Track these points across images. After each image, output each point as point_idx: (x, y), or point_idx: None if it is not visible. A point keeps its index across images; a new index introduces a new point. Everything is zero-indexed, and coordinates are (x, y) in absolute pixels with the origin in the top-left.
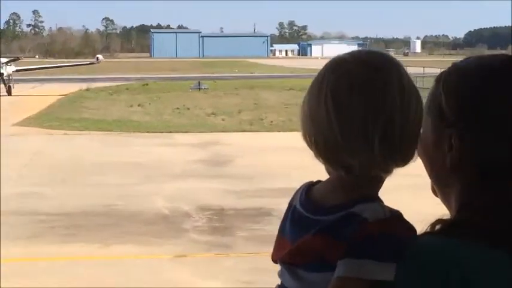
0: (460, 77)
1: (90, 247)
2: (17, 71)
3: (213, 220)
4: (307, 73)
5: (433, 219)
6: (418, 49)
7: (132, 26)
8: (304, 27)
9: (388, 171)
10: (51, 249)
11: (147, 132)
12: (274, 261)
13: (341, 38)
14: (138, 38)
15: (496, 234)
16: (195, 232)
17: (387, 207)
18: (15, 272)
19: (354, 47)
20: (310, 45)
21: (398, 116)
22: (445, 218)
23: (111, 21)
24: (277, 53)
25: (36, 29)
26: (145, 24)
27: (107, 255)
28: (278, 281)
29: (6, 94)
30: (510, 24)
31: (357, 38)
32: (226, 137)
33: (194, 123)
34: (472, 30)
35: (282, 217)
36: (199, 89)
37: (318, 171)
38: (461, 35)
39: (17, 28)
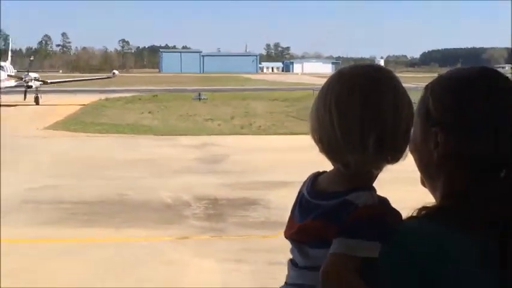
0: (444, 84)
1: (106, 230)
2: (44, 83)
3: (208, 208)
4: (289, 86)
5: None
6: None
7: (144, 47)
8: (288, 48)
9: (379, 168)
10: (73, 232)
11: (155, 134)
12: (286, 237)
13: (318, 57)
14: (149, 57)
15: (473, 219)
16: (193, 218)
17: (377, 195)
18: (41, 251)
19: (328, 65)
20: (292, 63)
21: (391, 123)
22: (429, 205)
23: (127, 42)
24: (264, 70)
25: (65, 49)
26: (155, 44)
27: (120, 237)
28: (266, 259)
29: (35, 103)
30: (458, 47)
31: (331, 57)
32: (221, 139)
33: (195, 128)
34: (426, 51)
35: (266, 206)
36: (200, 99)
37: (297, 167)
38: (417, 55)
39: (49, 48)
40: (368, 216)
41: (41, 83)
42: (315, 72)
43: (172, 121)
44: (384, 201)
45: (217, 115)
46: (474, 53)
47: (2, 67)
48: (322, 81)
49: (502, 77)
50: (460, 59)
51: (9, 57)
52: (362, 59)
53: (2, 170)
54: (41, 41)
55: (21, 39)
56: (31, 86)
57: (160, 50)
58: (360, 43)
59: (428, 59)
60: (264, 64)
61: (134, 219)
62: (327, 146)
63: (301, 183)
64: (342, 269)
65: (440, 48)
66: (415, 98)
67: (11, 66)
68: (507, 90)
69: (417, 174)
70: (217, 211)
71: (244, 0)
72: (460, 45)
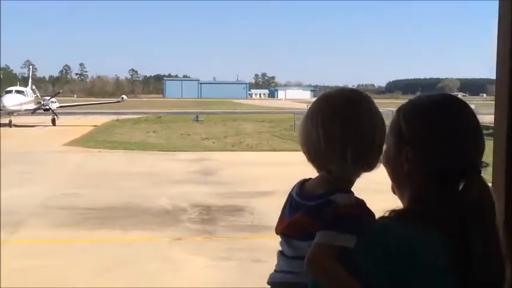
0: (414, 110)
1: (114, 232)
2: (60, 107)
3: (202, 214)
4: (274, 110)
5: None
6: None
7: (151, 75)
8: (273, 77)
9: (357, 175)
10: (86, 234)
11: (158, 150)
12: (277, 233)
13: (299, 85)
14: (154, 84)
15: (434, 221)
16: (189, 222)
17: (355, 196)
18: (60, 249)
19: (308, 92)
20: (277, 90)
21: (366, 138)
22: (397, 208)
23: (136, 71)
24: (253, 96)
25: (82, 77)
26: (160, 73)
27: (125, 238)
28: (249, 257)
29: (52, 125)
30: (419, 77)
31: (310, 85)
32: (214, 155)
33: (192, 145)
34: (391, 80)
35: (250, 212)
36: (197, 120)
37: (278, 179)
38: (383, 84)
39: (68, 76)
40: (347, 214)
41: (58, 106)
42: (296, 98)
43: (174, 139)
44: (361, 202)
45: (212, 134)
46: (431, 83)
47: (23, 92)
48: (302, 106)
49: (459, 102)
50: (420, 87)
51: (30, 83)
52: (336, 86)
53: (26, 180)
54: (62, 70)
55: (45, 69)
56: (49, 109)
57: (164, 78)
58: (334, 73)
59: (392, 87)
60: (253, 91)
61: (138, 223)
62: (313, 156)
63: (282, 193)
64: (322, 256)
65: (402, 78)
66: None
67: (31, 92)
68: (463, 114)
69: (379, 185)
70: (209, 216)
71: (237, 37)
72: (419, 75)
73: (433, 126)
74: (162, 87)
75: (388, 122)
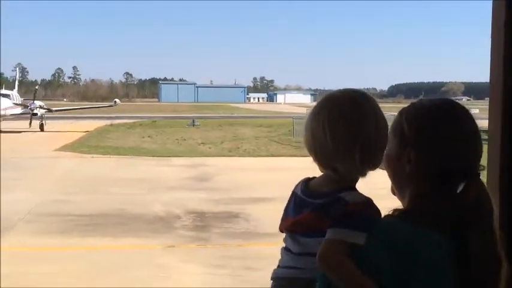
0: (418, 112)
1: (105, 239)
2: (49, 111)
3: (196, 220)
4: (273, 114)
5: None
6: None
7: (146, 79)
8: (272, 81)
9: (364, 174)
10: (76, 241)
11: (153, 156)
12: (281, 230)
13: (298, 89)
14: (150, 87)
15: (435, 221)
16: (182, 229)
17: (362, 194)
18: (50, 256)
19: (308, 96)
20: (276, 94)
21: (372, 138)
22: (399, 208)
23: (130, 74)
24: (251, 100)
25: (75, 80)
26: (155, 77)
27: (117, 245)
28: (242, 264)
29: (40, 130)
30: (422, 80)
31: (310, 89)
32: (210, 161)
33: (188, 150)
34: (393, 84)
35: (246, 218)
36: (194, 125)
37: (274, 185)
38: (385, 88)
39: (61, 79)
40: (356, 211)
41: (46, 110)
42: (296, 102)
43: (169, 144)
44: (369, 200)
45: (208, 139)
46: (435, 86)
47: (9, 95)
48: (301, 110)
49: (460, 107)
50: (423, 91)
51: (16, 87)
52: None
53: (15, 186)
54: (54, 74)
55: (37, 72)
56: (36, 114)
57: (160, 81)
58: (335, 77)
59: (395, 91)
60: (251, 95)
61: (130, 230)
62: (320, 156)
63: (279, 199)
64: (334, 252)
65: (405, 82)
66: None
67: (18, 95)
68: (464, 118)
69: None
70: (203, 223)
71: (235, 40)
72: (423, 79)
73: (435, 129)
74: (157, 91)
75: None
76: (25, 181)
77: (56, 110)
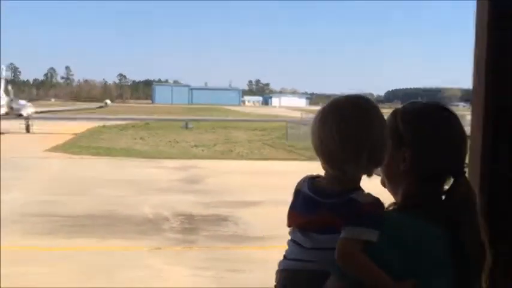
0: (414, 114)
1: (91, 240)
2: (36, 112)
3: (184, 223)
4: (267, 118)
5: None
6: None
7: (140, 80)
8: (267, 84)
9: (371, 174)
10: (62, 242)
11: (144, 158)
12: (289, 226)
13: (294, 92)
14: (143, 89)
15: (432, 214)
16: (170, 231)
17: (371, 194)
18: (35, 257)
19: (303, 100)
20: (271, 97)
21: (378, 140)
22: (396, 202)
23: (124, 76)
24: (246, 103)
25: (68, 81)
26: (149, 78)
27: (103, 246)
28: (226, 267)
29: (25, 132)
30: (419, 86)
31: (305, 93)
32: (202, 163)
33: (180, 153)
34: (390, 90)
35: (235, 222)
36: (187, 127)
37: (264, 189)
38: (382, 93)
39: (53, 79)
40: (369, 210)
41: (32, 111)
42: (291, 106)
43: (162, 146)
44: (378, 199)
45: (201, 142)
46: (432, 92)
47: None
48: (296, 114)
49: (450, 110)
50: (419, 97)
51: (2, 86)
52: (333, 95)
53: (3, 187)
54: (47, 73)
55: (29, 72)
56: (21, 115)
57: (154, 83)
58: (331, 81)
59: (391, 97)
60: (246, 98)
61: (117, 232)
62: (328, 158)
63: (269, 203)
64: (352, 250)
65: (402, 87)
66: None
67: (3, 95)
68: (454, 121)
69: None
70: (191, 225)
71: (231, 43)
72: (419, 85)
73: (432, 130)
74: (151, 93)
75: None
76: (12, 181)
77: (43, 112)
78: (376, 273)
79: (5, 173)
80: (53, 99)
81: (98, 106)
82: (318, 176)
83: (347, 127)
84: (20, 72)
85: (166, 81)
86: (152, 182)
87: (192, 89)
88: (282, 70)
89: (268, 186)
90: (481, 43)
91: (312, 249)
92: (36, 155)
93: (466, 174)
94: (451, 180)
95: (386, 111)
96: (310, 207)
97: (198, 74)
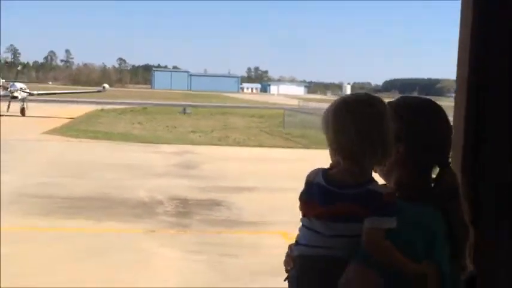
0: (407, 107)
1: (87, 222)
2: (30, 94)
3: (179, 207)
4: (265, 105)
5: None
6: (349, 92)
7: (139, 65)
8: (266, 72)
9: (384, 165)
10: (59, 223)
11: (142, 142)
12: (305, 215)
13: (292, 80)
14: (143, 74)
15: (428, 199)
16: (164, 215)
17: (386, 185)
18: (33, 237)
19: (301, 88)
20: (269, 85)
21: (389, 135)
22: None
23: (124, 60)
24: (245, 90)
25: (68, 64)
26: (149, 64)
27: (98, 228)
28: (219, 251)
29: (20, 115)
30: (415, 77)
31: (304, 81)
32: (199, 149)
33: (178, 138)
34: (388, 79)
35: (228, 207)
36: (185, 113)
37: (262, 176)
38: (380, 82)
39: (53, 62)
40: (389, 200)
41: (27, 93)
42: (290, 94)
43: (159, 131)
44: (393, 189)
45: (199, 128)
46: (430, 83)
47: None
48: (294, 102)
49: (439, 106)
50: (417, 87)
51: None
52: (331, 84)
53: (4, 168)
54: (47, 56)
55: (29, 54)
56: (16, 97)
57: (153, 68)
58: (330, 69)
59: (389, 87)
60: (245, 85)
61: (113, 214)
62: (344, 151)
63: (262, 189)
64: (379, 239)
65: (400, 77)
66: None
67: None
68: (443, 116)
69: None
70: (185, 209)
71: (230, 30)
72: (418, 75)
73: (423, 124)
74: (150, 78)
75: None
76: (10, 162)
77: (39, 94)
78: (398, 256)
79: (3, 155)
80: (50, 83)
81: (95, 90)
82: (330, 169)
83: (363, 122)
84: (19, 54)
85: (166, 66)
86: (149, 166)
87: (191, 75)
88: (281, 58)
89: (263, 173)
90: (465, 39)
91: (333, 237)
92: (34, 138)
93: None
94: (437, 169)
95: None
96: (329, 198)
97: (197, 61)
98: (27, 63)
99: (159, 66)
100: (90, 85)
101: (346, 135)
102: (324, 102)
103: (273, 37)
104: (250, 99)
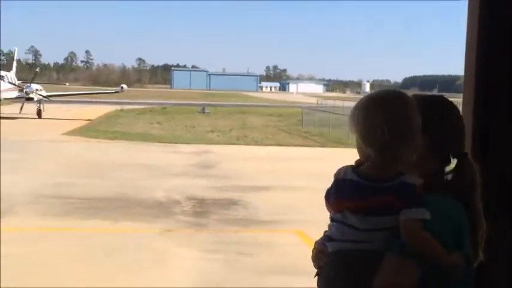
0: (425, 104)
1: (104, 222)
2: (48, 96)
3: (196, 206)
4: (284, 104)
5: None
6: (368, 90)
7: (158, 65)
8: (285, 70)
9: (413, 158)
10: (77, 223)
11: (160, 142)
12: (337, 211)
13: (311, 79)
14: (162, 74)
15: (448, 189)
16: (181, 215)
17: (417, 176)
18: (49, 237)
19: (320, 86)
20: (288, 83)
21: (418, 128)
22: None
23: (143, 60)
24: (264, 89)
25: (88, 64)
26: (168, 63)
27: (116, 228)
28: (236, 249)
29: (37, 117)
30: (435, 73)
31: (322, 79)
32: (217, 148)
33: (196, 138)
34: (408, 76)
35: (245, 206)
36: (203, 112)
37: (279, 175)
38: (399, 80)
39: (73, 63)
40: (421, 191)
41: (42, 97)
42: (308, 92)
43: (178, 131)
44: (422, 180)
45: (217, 127)
46: (449, 80)
47: (2, 77)
48: (312, 100)
49: (449, 100)
50: (437, 84)
51: (14, 68)
52: (350, 81)
53: (18, 168)
54: (67, 57)
55: (50, 55)
56: (32, 98)
57: (172, 68)
58: (349, 67)
59: (409, 84)
60: (264, 84)
61: (130, 214)
62: (379, 147)
63: (279, 188)
64: (418, 229)
65: (419, 74)
66: None
67: (15, 77)
68: (456, 110)
69: None
70: (202, 209)
71: (249, 28)
72: (437, 72)
73: (443, 118)
74: (169, 78)
75: None
76: (30, 164)
77: (54, 95)
78: (436, 246)
79: (22, 155)
80: (67, 83)
81: (113, 91)
82: (357, 165)
83: (393, 116)
84: (40, 55)
85: (185, 66)
86: (167, 166)
87: (210, 75)
88: (300, 56)
89: (280, 172)
90: (471, 39)
91: (368, 230)
92: (53, 139)
93: None
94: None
95: None
96: (364, 192)
97: (216, 60)
98: (48, 64)
99: (178, 65)
100: (109, 85)
101: (378, 128)
102: (342, 100)
103: (292, 35)
104: (269, 97)
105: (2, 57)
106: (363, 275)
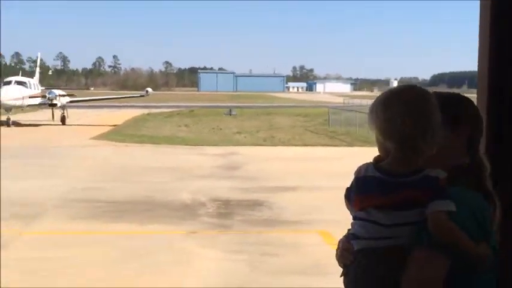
0: (445, 103)
1: (131, 225)
2: (71, 102)
3: (220, 208)
4: (310, 104)
5: None
6: None
7: (185, 68)
8: (312, 70)
9: (433, 151)
10: (104, 226)
11: (187, 145)
12: (361, 209)
13: (338, 78)
14: (189, 76)
15: (469, 183)
16: (206, 216)
17: (439, 169)
18: (80, 241)
19: (347, 85)
20: (315, 83)
21: (438, 123)
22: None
23: (170, 63)
24: (290, 89)
25: (115, 69)
26: (195, 66)
27: (142, 231)
28: (260, 250)
29: (61, 123)
30: (464, 70)
31: (350, 78)
32: (244, 150)
33: (223, 139)
34: (436, 73)
35: (269, 207)
36: (230, 114)
37: (305, 175)
38: (427, 77)
39: (101, 68)
40: (445, 184)
41: (68, 101)
42: (336, 92)
43: (205, 133)
44: (445, 173)
45: (244, 128)
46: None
47: (25, 83)
48: (339, 100)
49: (466, 97)
50: (466, 80)
51: (37, 74)
52: (378, 80)
53: (47, 173)
54: (95, 62)
55: (79, 61)
56: (55, 104)
57: (199, 70)
58: (376, 66)
59: (437, 81)
60: (290, 84)
61: (156, 216)
62: (399, 141)
63: (305, 188)
64: (445, 220)
65: (448, 71)
66: None
67: (38, 84)
68: (474, 106)
69: None
70: (227, 210)
71: (275, 29)
72: (466, 68)
73: (472, 116)
74: (196, 80)
75: None
76: (58, 169)
77: (78, 101)
78: (463, 237)
79: (51, 161)
80: (92, 88)
81: (139, 95)
82: (377, 162)
83: (413, 109)
84: (69, 61)
85: (212, 68)
86: (193, 168)
87: (236, 76)
88: (327, 56)
89: (306, 172)
90: (484, 39)
91: (394, 226)
92: (81, 144)
93: None
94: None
95: None
96: (389, 188)
97: (242, 61)
98: (77, 70)
99: (204, 68)
100: (137, 89)
101: (398, 118)
102: (369, 98)
103: (318, 35)
104: (296, 98)
105: (32, 64)
106: (391, 272)
